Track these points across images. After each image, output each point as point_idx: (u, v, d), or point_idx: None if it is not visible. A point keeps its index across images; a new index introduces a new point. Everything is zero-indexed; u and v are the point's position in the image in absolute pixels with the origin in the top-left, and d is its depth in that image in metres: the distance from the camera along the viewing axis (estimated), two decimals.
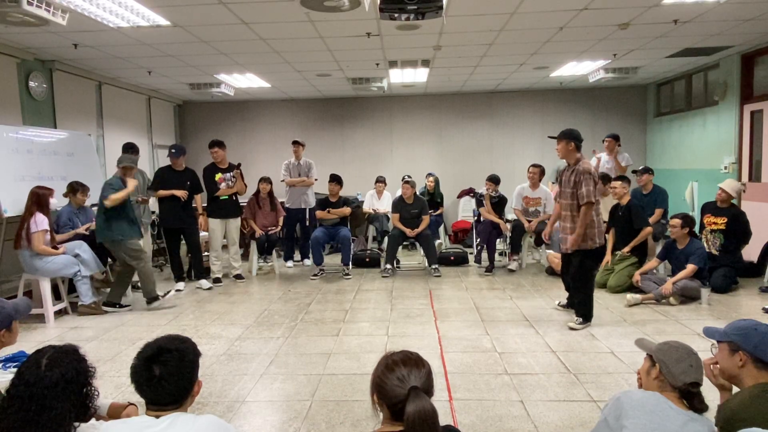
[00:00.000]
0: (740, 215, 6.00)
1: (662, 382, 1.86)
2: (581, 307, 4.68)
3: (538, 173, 7.13)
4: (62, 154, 6.35)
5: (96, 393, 1.77)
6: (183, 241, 6.61)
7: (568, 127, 4.96)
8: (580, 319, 4.65)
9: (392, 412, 1.50)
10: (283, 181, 7.75)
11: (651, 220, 6.63)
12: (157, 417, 1.63)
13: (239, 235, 7.07)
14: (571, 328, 4.60)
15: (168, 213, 6.32)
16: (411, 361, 1.56)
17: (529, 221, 7.09)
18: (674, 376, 1.84)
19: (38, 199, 5.10)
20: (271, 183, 7.60)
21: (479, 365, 3.84)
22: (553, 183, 7.79)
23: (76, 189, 5.66)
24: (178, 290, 6.32)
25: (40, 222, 5.05)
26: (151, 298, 5.51)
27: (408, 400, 1.44)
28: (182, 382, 1.67)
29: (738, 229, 5.91)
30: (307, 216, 7.77)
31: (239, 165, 6.87)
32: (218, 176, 6.61)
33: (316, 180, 7.81)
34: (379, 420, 1.57)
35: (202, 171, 6.67)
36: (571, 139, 4.58)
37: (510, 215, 7.57)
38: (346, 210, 7.27)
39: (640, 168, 7.11)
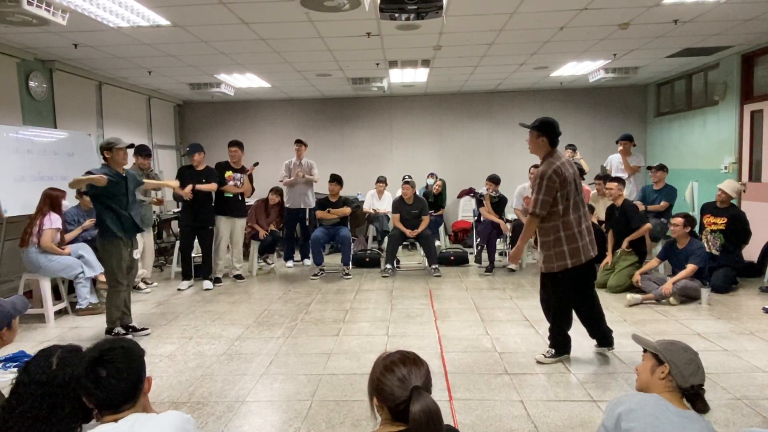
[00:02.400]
0: (740, 215, 6.00)
1: (669, 382, 1.86)
2: (551, 333, 3.91)
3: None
4: (62, 154, 6.34)
5: None
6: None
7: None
8: (552, 351, 3.87)
9: (393, 414, 1.48)
10: (281, 181, 7.75)
11: (654, 208, 6.67)
12: (116, 421, 1.58)
13: (243, 235, 7.10)
14: (538, 362, 3.84)
15: (185, 211, 6.41)
16: (409, 360, 1.55)
17: None
18: (684, 377, 1.85)
19: (51, 201, 5.15)
20: (281, 195, 7.69)
21: (479, 365, 3.84)
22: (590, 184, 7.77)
23: (84, 192, 5.68)
24: (179, 289, 6.35)
25: (55, 221, 5.14)
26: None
27: (412, 400, 1.43)
28: (132, 377, 1.63)
29: (738, 229, 5.92)
30: (307, 216, 7.78)
31: (256, 164, 7.00)
32: (228, 174, 6.67)
33: (316, 181, 7.80)
34: (377, 422, 1.56)
35: (214, 166, 6.74)
36: (540, 131, 3.71)
37: (510, 215, 7.58)
38: (347, 210, 7.27)
39: (656, 165, 7.14)
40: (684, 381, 1.85)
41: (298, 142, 7.75)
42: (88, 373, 1.59)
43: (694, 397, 1.84)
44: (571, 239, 3.66)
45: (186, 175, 6.37)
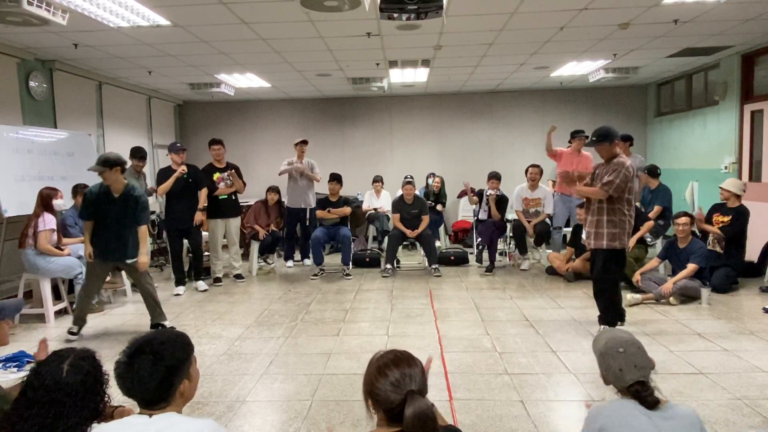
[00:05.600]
0: (744, 212, 5.94)
1: (619, 391, 1.85)
2: (604, 314, 4.44)
3: (537, 173, 7.14)
4: (62, 154, 6.34)
5: (109, 400, 1.74)
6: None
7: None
8: (606, 326, 4.35)
9: (388, 416, 1.48)
10: (283, 170, 7.59)
11: (650, 215, 6.65)
12: (150, 416, 1.57)
13: (239, 235, 7.08)
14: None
15: (173, 213, 6.24)
16: (403, 361, 1.54)
17: (529, 221, 7.10)
18: (619, 381, 1.82)
19: (43, 200, 5.13)
20: (279, 193, 7.69)
21: (479, 365, 3.84)
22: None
23: (81, 192, 5.66)
24: (177, 294, 6.18)
25: (49, 222, 5.11)
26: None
27: (406, 404, 1.43)
28: (157, 381, 1.58)
29: (738, 226, 5.88)
30: (308, 216, 7.77)
31: (234, 167, 6.86)
32: (216, 176, 6.61)
33: (318, 180, 7.78)
34: (374, 422, 1.55)
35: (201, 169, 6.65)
36: (613, 139, 4.39)
37: (510, 215, 7.57)
38: (347, 209, 7.26)
39: (646, 167, 7.15)
40: (614, 385, 1.84)
41: (303, 142, 7.66)
42: (120, 363, 1.60)
43: (635, 395, 1.79)
44: (622, 225, 4.28)
45: (169, 174, 6.15)
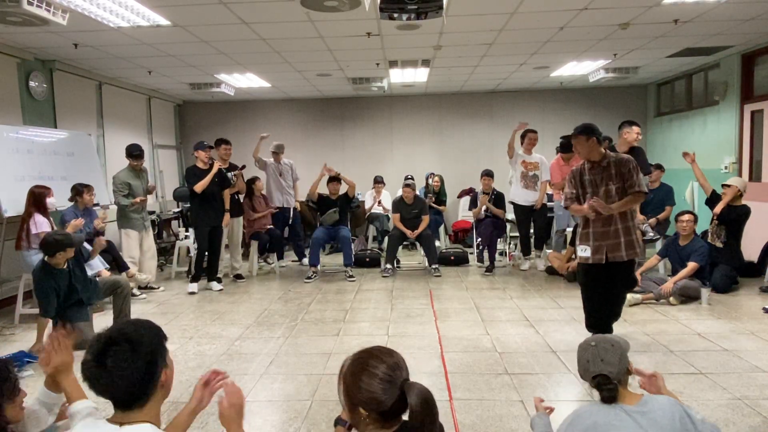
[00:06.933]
0: (744, 210, 5.92)
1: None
2: (613, 322, 4.18)
3: (536, 138, 7.06)
4: (62, 154, 6.34)
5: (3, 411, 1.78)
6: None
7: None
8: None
9: (383, 416, 1.39)
10: (257, 161, 7.47)
11: (661, 217, 6.65)
12: (120, 425, 1.40)
13: (241, 235, 7.08)
14: None
15: (206, 211, 6.25)
16: (381, 353, 1.44)
17: (533, 208, 7.00)
18: (583, 376, 1.92)
19: (35, 199, 5.09)
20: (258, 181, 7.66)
21: (479, 365, 3.84)
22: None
23: (80, 191, 5.64)
24: (191, 293, 6.19)
25: (40, 224, 5.04)
26: None
27: (407, 394, 1.36)
28: (141, 372, 1.42)
29: (734, 219, 5.87)
30: (291, 215, 7.69)
31: (243, 167, 6.91)
32: None
33: (298, 179, 7.77)
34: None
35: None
36: (588, 133, 3.86)
37: (510, 215, 7.56)
38: (352, 183, 7.17)
39: (653, 164, 7.15)
40: (585, 379, 1.92)
41: (275, 153, 7.54)
42: (88, 363, 1.42)
43: (597, 387, 1.86)
44: (634, 229, 3.92)
45: (199, 173, 6.17)
